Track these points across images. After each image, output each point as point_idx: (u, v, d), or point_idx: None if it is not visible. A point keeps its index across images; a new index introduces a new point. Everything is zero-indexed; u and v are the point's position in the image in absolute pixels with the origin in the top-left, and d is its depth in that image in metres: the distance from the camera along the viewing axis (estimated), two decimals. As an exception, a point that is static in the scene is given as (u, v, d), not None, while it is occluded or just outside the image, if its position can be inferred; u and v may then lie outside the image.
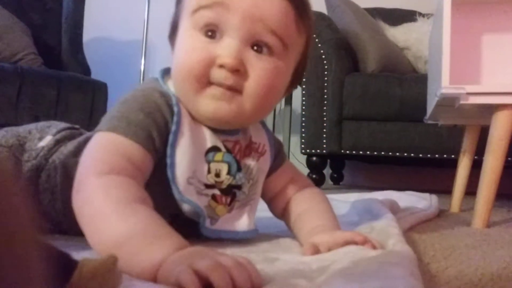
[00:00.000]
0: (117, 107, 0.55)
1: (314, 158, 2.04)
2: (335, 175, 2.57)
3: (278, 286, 0.39)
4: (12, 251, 0.16)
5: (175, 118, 0.55)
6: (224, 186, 0.58)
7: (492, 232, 0.91)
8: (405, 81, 1.86)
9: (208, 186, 0.57)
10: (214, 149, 0.58)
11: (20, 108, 1.82)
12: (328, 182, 2.51)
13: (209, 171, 0.57)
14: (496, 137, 0.96)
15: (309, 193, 0.68)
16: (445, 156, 1.81)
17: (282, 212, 0.69)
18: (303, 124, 2.00)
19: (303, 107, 2.00)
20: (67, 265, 0.31)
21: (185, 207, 0.55)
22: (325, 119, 1.95)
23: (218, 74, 0.53)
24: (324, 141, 1.95)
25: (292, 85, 0.64)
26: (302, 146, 2.00)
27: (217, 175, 0.58)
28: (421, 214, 1.00)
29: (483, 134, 1.12)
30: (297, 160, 2.63)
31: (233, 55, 0.53)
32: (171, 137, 0.55)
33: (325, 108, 1.96)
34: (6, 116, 1.76)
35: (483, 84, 1.10)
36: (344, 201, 1.20)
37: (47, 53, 2.22)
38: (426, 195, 1.34)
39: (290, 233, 0.66)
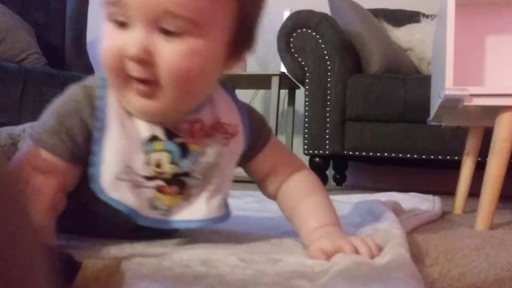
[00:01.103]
0: (47, 110, 0.56)
1: (317, 159, 2.04)
2: (338, 176, 2.56)
3: (280, 286, 0.39)
4: (14, 253, 0.16)
5: (98, 114, 0.54)
6: (167, 176, 0.56)
7: (496, 234, 0.90)
8: (408, 82, 1.85)
9: (149, 178, 0.55)
10: (153, 138, 0.56)
11: (23, 108, 1.82)
12: (331, 183, 2.50)
13: (148, 163, 0.55)
14: (499, 139, 0.95)
15: (303, 179, 0.67)
16: (448, 157, 1.81)
17: (274, 195, 0.67)
18: (306, 124, 2.00)
19: (306, 108, 2.00)
20: (70, 267, 0.31)
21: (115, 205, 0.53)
22: (328, 120, 1.95)
23: (130, 67, 0.52)
24: (327, 142, 1.95)
25: (237, 54, 0.59)
26: (305, 146, 2.00)
27: (158, 165, 0.55)
28: (424, 216, 1.00)
29: (487, 136, 1.12)
30: (300, 161, 2.63)
31: (135, 44, 0.50)
32: (95, 134, 0.53)
33: (328, 109, 1.95)
34: (9, 115, 1.76)
35: (487, 86, 1.10)
36: (347, 202, 1.20)
37: (50, 53, 2.23)
38: (429, 196, 1.34)
39: (293, 234, 0.65)
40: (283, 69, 2.27)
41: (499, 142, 0.95)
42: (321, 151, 1.96)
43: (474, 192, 1.18)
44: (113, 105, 0.55)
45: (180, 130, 0.57)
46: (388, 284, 0.36)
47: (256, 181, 0.69)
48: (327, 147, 1.95)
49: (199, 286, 0.39)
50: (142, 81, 0.52)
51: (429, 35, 2.07)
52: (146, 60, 0.50)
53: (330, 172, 2.35)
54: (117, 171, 0.53)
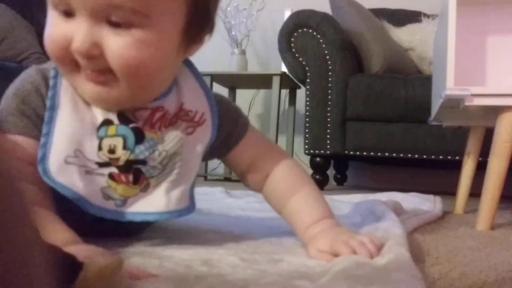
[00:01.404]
0: (3, 97, 0.55)
1: (318, 159, 2.04)
2: (339, 176, 2.57)
3: (281, 286, 0.39)
4: (15, 253, 0.16)
5: (50, 93, 0.53)
6: (121, 163, 0.53)
7: (497, 234, 0.90)
8: (410, 82, 1.85)
9: (102, 165, 0.52)
10: (106, 122, 0.54)
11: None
12: (332, 183, 2.50)
13: (100, 148, 0.52)
14: (500, 139, 0.95)
15: (289, 172, 0.64)
16: (449, 157, 1.81)
17: (258, 188, 0.65)
18: (307, 124, 2.00)
19: (307, 108, 2.00)
20: (72, 267, 0.31)
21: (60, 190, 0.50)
22: (329, 119, 1.95)
23: (78, 59, 0.50)
24: (328, 141, 1.95)
25: (196, 38, 0.57)
26: (306, 146, 2.00)
27: (111, 151, 0.53)
28: (425, 216, 1.00)
29: (488, 136, 1.12)
30: (301, 160, 2.63)
31: (81, 38, 0.49)
32: (46, 114, 0.52)
33: (329, 108, 1.96)
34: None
35: (488, 86, 1.10)
36: (347, 202, 1.20)
37: (52, 53, 2.23)
38: (430, 196, 1.34)
39: (293, 234, 0.65)
40: (284, 69, 2.27)
41: (500, 142, 0.95)
42: (322, 151, 1.96)
43: (475, 192, 1.18)
44: (67, 86, 0.53)
45: (138, 118, 0.55)
46: (388, 285, 0.36)
47: (238, 174, 0.66)
48: (328, 147, 1.95)
49: (200, 286, 0.39)
50: (93, 69, 0.51)
51: (430, 35, 2.07)
52: (93, 53, 0.49)
53: (331, 172, 2.35)
54: (66, 154, 0.50)
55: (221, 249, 0.55)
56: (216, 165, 2.68)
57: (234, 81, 2.56)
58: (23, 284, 0.16)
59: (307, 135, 1.99)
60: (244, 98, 2.79)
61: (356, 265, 0.44)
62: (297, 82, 2.26)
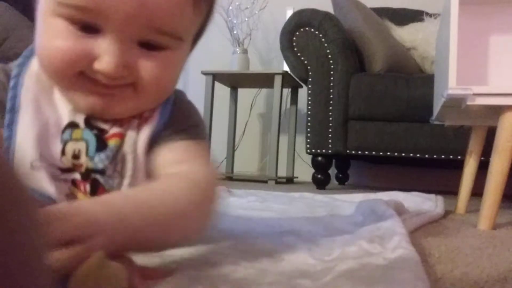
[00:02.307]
0: None
1: (320, 158, 2.04)
2: (341, 175, 2.56)
3: (282, 287, 0.39)
4: (16, 253, 0.16)
5: (10, 93, 0.49)
6: (83, 170, 0.48)
7: (498, 233, 0.90)
8: (412, 81, 1.85)
9: (64, 171, 0.48)
10: (72, 125, 0.49)
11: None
12: (333, 182, 2.50)
13: (63, 153, 0.48)
14: (503, 138, 0.95)
15: (186, 175, 0.49)
16: (451, 157, 1.81)
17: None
18: (309, 124, 2.00)
19: (309, 107, 2.00)
20: (63, 274, 0.31)
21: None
22: (330, 119, 1.95)
23: (95, 74, 0.45)
24: (330, 141, 1.95)
25: (197, 42, 0.55)
26: (308, 146, 2.00)
27: (76, 156, 0.48)
28: (426, 215, 0.99)
29: (490, 135, 1.12)
30: (302, 159, 2.63)
31: (116, 61, 0.44)
32: (6, 116, 0.48)
33: (330, 108, 1.95)
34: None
35: (490, 85, 1.09)
36: (349, 201, 1.20)
37: (54, 52, 2.23)
38: (432, 196, 1.33)
39: (295, 233, 0.65)
40: (285, 68, 2.27)
41: (502, 141, 0.95)
42: (323, 150, 1.96)
43: (477, 191, 1.18)
44: (29, 87, 0.49)
45: (107, 120, 0.50)
46: (392, 285, 0.36)
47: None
48: (330, 146, 1.95)
49: (201, 285, 0.39)
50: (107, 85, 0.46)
51: (432, 34, 2.06)
52: (123, 75, 0.45)
53: (332, 171, 2.35)
54: (31, 159, 0.47)
55: (222, 248, 0.54)
56: (218, 164, 2.68)
57: (236, 80, 2.56)
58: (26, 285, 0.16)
59: (309, 134, 1.99)
60: (246, 97, 2.79)
61: (359, 265, 0.44)
62: (299, 81, 2.26)
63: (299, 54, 2.01)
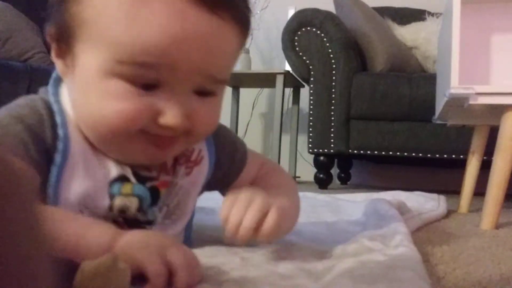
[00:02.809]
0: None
1: (322, 158, 2.04)
2: (343, 175, 2.56)
3: (282, 286, 0.39)
4: (19, 251, 0.16)
5: (60, 145, 0.45)
6: (129, 218, 0.49)
7: (501, 233, 0.90)
8: (414, 80, 1.85)
9: (107, 217, 0.48)
10: (121, 178, 0.48)
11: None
12: (336, 181, 2.50)
13: (112, 208, 0.47)
14: (505, 138, 0.95)
15: (273, 176, 0.61)
16: (453, 156, 1.80)
17: None
18: (311, 123, 1.99)
19: (311, 107, 2.00)
20: (70, 268, 0.31)
21: None
22: (332, 118, 1.95)
23: (159, 131, 0.44)
24: (332, 140, 1.95)
25: None
26: (310, 145, 2.00)
27: (123, 211, 0.48)
28: (429, 215, 0.99)
29: (492, 135, 1.12)
30: (304, 159, 2.63)
31: (180, 114, 0.43)
32: (54, 171, 0.45)
33: (332, 107, 1.95)
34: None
35: (493, 84, 1.09)
36: (351, 201, 1.19)
37: (56, 52, 2.24)
38: (434, 195, 1.33)
39: (296, 233, 0.65)
40: (287, 67, 2.27)
41: (505, 140, 0.95)
42: (325, 150, 1.96)
43: (480, 191, 1.18)
44: (76, 138, 0.47)
45: (151, 168, 0.50)
46: (394, 284, 0.36)
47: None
48: (332, 145, 1.95)
49: (201, 285, 0.39)
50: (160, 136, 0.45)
51: (434, 34, 2.06)
52: (186, 126, 0.45)
53: (334, 171, 2.34)
54: (75, 210, 0.46)
55: (223, 248, 0.54)
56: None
57: (237, 80, 2.56)
58: (26, 280, 0.16)
59: (311, 134, 1.99)
60: (248, 97, 2.79)
61: (360, 264, 0.44)
62: (301, 81, 2.26)
63: (301, 53, 2.01)
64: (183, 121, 0.43)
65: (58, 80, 0.50)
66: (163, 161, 0.50)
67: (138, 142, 0.45)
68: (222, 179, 0.59)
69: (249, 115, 2.85)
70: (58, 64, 0.47)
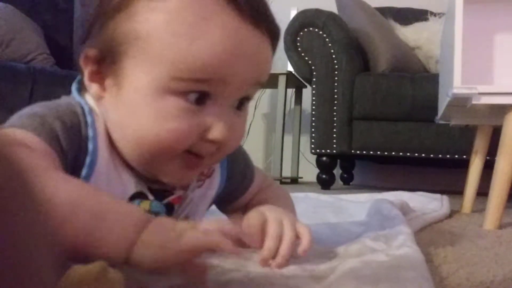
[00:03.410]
0: (35, 107, 0.45)
1: (324, 158, 2.04)
2: (345, 175, 2.56)
3: (286, 286, 0.39)
4: (19, 254, 0.16)
5: (87, 159, 0.44)
6: None
7: (504, 233, 0.90)
8: (416, 80, 1.84)
9: None
10: (139, 195, 0.48)
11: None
12: (338, 182, 2.50)
13: None
14: (508, 138, 0.95)
15: (269, 189, 0.61)
16: (456, 156, 1.80)
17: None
18: (313, 124, 1.99)
19: (313, 107, 2.00)
20: (60, 269, 0.30)
21: None
22: (335, 119, 1.95)
23: (205, 148, 0.45)
24: (334, 141, 1.95)
25: None
26: (312, 146, 2.00)
27: None
28: (432, 215, 0.99)
29: (495, 135, 1.11)
30: (307, 160, 2.63)
31: (227, 129, 0.44)
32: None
33: (335, 108, 1.95)
34: (18, 115, 1.78)
35: (496, 84, 1.09)
36: (354, 201, 1.19)
37: (59, 53, 2.25)
38: (437, 195, 1.33)
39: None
40: (290, 68, 2.27)
41: (508, 140, 0.95)
42: (328, 150, 1.96)
43: (483, 191, 1.18)
44: (102, 154, 0.46)
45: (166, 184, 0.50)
46: (397, 284, 0.36)
47: (228, 214, 0.62)
48: (334, 146, 1.94)
49: (205, 286, 0.39)
50: (198, 154, 0.46)
51: (437, 34, 2.06)
52: (230, 139, 0.46)
53: (337, 171, 2.34)
54: None
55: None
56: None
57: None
58: (27, 283, 0.16)
59: (313, 135, 1.99)
60: (250, 98, 2.79)
61: (363, 264, 0.44)
62: (303, 82, 2.26)
63: (303, 54, 2.01)
64: (227, 136, 0.44)
65: (80, 90, 0.50)
66: (184, 183, 0.50)
67: (175, 164, 0.45)
68: (230, 194, 0.59)
69: (251, 116, 2.85)
70: (93, 88, 0.46)
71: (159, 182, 0.49)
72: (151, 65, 0.42)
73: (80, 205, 0.36)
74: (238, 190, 0.59)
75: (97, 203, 0.37)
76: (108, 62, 0.45)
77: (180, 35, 0.41)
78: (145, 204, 0.48)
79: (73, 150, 0.44)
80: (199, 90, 0.43)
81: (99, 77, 0.46)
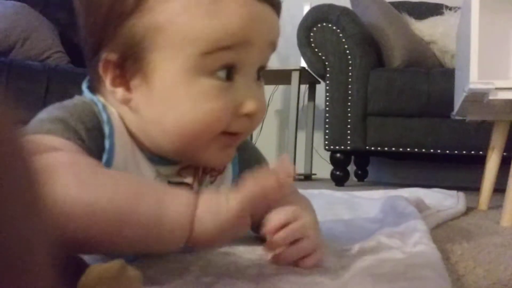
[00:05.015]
0: (50, 110, 0.45)
1: (338, 155, 2.03)
2: (360, 172, 2.55)
3: (301, 284, 0.39)
4: (17, 253, 0.16)
5: (104, 157, 0.45)
6: None
7: (522, 230, 0.88)
8: (432, 76, 1.82)
9: None
10: None
11: (48, 106, 1.86)
12: (352, 179, 2.48)
13: None
14: (526, 133, 0.93)
15: (291, 198, 0.56)
16: (473, 152, 1.78)
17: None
18: (327, 120, 1.98)
19: (327, 103, 1.99)
20: (78, 268, 0.30)
21: None
22: (349, 115, 1.94)
23: (240, 124, 0.47)
24: (348, 137, 1.93)
25: None
26: (326, 142, 1.99)
27: None
28: (448, 212, 0.98)
29: (513, 130, 1.10)
30: (320, 156, 2.62)
31: (258, 99, 0.47)
32: None
33: (349, 104, 1.94)
34: (34, 113, 1.80)
35: (513, 79, 1.07)
36: (368, 198, 1.19)
37: (73, 51, 2.26)
38: (453, 192, 1.32)
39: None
40: (303, 64, 2.26)
41: (526, 136, 0.93)
42: (342, 147, 1.95)
43: (500, 187, 1.16)
44: (119, 151, 0.46)
45: (184, 175, 0.51)
46: (413, 283, 0.36)
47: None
48: (349, 142, 1.93)
49: (218, 282, 0.39)
50: (233, 133, 0.47)
51: (452, 28, 2.03)
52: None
53: (351, 168, 2.33)
54: None
55: (239, 246, 0.55)
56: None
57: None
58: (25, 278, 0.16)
59: (327, 131, 1.98)
60: (264, 94, 2.79)
61: (379, 262, 0.44)
62: (317, 77, 2.25)
63: (316, 50, 2.00)
64: (262, 106, 0.47)
65: (92, 90, 0.50)
66: (225, 164, 0.52)
67: (214, 145, 0.47)
68: None
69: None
70: (118, 93, 0.46)
71: (180, 175, 0.50)
72: (176, 51, 0.43)
73: (143, 193, 0.37)
74: None
75: (153, 190, 0.38)
76: (131, 63, 0.45)
77: (199, 16, 0.43)
78: None
79: (97, 150, 0.44)
80: (226, 64, 0.45)
81: (123, 80, 0.46)
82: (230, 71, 0.45)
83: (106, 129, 0.45)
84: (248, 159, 0.58)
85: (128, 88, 0.46)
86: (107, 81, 0.46)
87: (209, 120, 0.44)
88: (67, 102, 0.46)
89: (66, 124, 0.43)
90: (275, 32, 0.49)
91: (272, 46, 0.50)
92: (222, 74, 0.45)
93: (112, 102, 0.47)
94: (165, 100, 0.45)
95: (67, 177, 0.35)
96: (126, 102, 0.46)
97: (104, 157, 0.44)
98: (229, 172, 0.56)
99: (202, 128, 0.44)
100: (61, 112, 0.44)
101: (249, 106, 0.46)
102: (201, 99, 0.44)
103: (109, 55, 0.45)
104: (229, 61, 0.45)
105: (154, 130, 0.47)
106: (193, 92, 0.44)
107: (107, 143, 0.45)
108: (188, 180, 0.51)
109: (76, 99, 0.48)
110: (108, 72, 0.46)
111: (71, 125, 0.43)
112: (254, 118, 0.48)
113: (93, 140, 0.44)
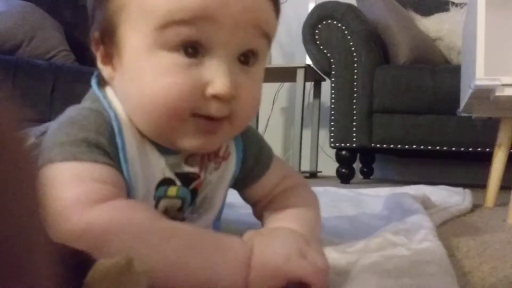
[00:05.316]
0: (65, 129, 0.44)
1: (344, 152, 2.02)
2: (365, 169, 2.54)
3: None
4: (15, 246, 0.15)
5: (121, 155, 0.45)
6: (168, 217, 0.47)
7: (529, 227, 0.88)
8: (438, 72, 1.82)
9: None
10: (166, 182, 0.48)
11: (54, 104, 1.87)
12: (358, 176, 2.48)
13: (155, 208, 0.48)
14: (533, 130, 0.93)
15: (296, 192, 0.58)
16: (479, 149, 1.77)
17: (261, 213, 0.58)
18: (332, 117, 1.98)
19: (332, 100, 1.99)
20: (85, 264, 0.30)
21: None
22: (354, 112, 1.93)
23: (208, 106, 0.43)
24: (354, 134, 1.93)
25: None
26: (331, 139, 1.98)
27: (165, 211, 0.49)
28: (454, 209, 0.98)
29: (520, 127, 1.09)
30: (326, 154, 2.61)
31: (229, 81, 0.42)
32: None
33: (354, 101, 1.94)
34: (40, 111, 1.81)
35: (520, 75, 1.07)
36: (374, 195, 1.18)
37: (79, 50, 2.27)
38: (460, 189, 1.31)
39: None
40: (308, 61, 2.26)
41: (533, 133, 0.93)
42: (348, 144, 1.95)
43: (506, 185, 1.16)
44: (128, 146, 0.46)
45: (192, 164, 0.51)
46: (420, 279, 0.36)
47: (250, 204, 0.61)
48: (354, 139, 1.93)
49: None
50: (210, 118, 0.44)
51: (458, 24, 2.02)
52: (234, 95, 0.43)
53: (357, 165, 2.33)
54: None
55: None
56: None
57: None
58: (23, 281, 0.16)
59: (332, 128, 1.98)
60: (268, 92, 2.79)
61: (384, 259, 0.44)
62: (322, 75, 2.24)
63: (321, 47, 2.00)
64: (231, 90, 0.42)
65: (99, 84, 0.50)
66: (214, 149, 0.50)
67: (188, 129, 0.44)
68: (244, 179, 0.58)
69: (269, 110, 2.84)
70: (106, 71, 0.47)
71: (187, 164, 0.50)
72: (137, 25, 0.43)
73: (195, 247, 0.36)
74: (251, 175, 0.58)
75: (207, 241, 0.38)
76: (108, 39, 0.46)
77: None
78: (173, 190, 0.49)
79: (116, 152, 0.45)
80: (187, 40, 0.42)
81: (109, 59, 0.47)
82: (196, 49, 0.42)
83: (115, 126, 0.45)
84: (251, 143, 0.57)
85: (113, 66, 0.47)
86: (98, 59, 0.48)
87: (167, 96, 0.42)
88: (76, 116, 0.45)
89: (88, 142, 0.43)
90: (256, 13, 0.44)
91: (258, 29, 0.45)
92: (190, 51, 0.42)
93: (116, 91, 0.48)
94: (130, 74, 0.45)
95: (123, 237, 0.36)
96: (110, 80, 0.48)
97: (121, 154, 0.45)
98: (233, 159, 0.55)
99: (162, 103, 0.42)
100: (76, 130, 0.44)
101: (215, 86, 0.42)
102: (161, 73, 0.42)
103: (94, 33, 0.47)
104: (191, 37, 0.42)
105: (128, 109, 0.46)
106: (152, 66, 0.42)
107: (118, 141, 0.45)
108: (195, 169, 0.51)
109: (82, 108, 0.47)
110: (98, 51, 0.48)
111: (93, 143, 0.43)
112: (236, 108, 0.45)
113: (113, 145, 0.44)
